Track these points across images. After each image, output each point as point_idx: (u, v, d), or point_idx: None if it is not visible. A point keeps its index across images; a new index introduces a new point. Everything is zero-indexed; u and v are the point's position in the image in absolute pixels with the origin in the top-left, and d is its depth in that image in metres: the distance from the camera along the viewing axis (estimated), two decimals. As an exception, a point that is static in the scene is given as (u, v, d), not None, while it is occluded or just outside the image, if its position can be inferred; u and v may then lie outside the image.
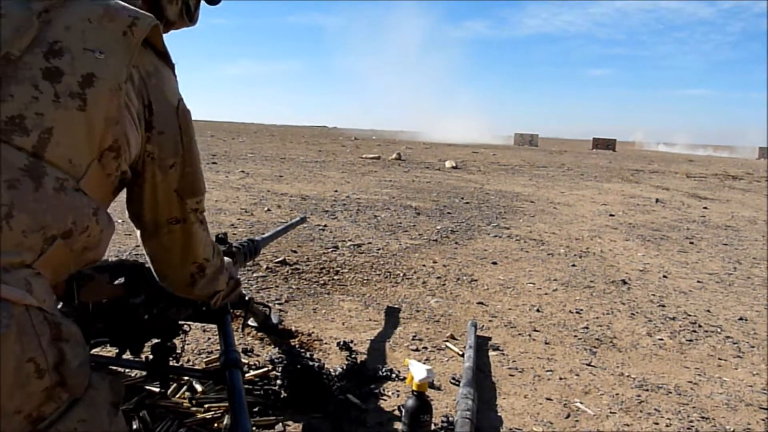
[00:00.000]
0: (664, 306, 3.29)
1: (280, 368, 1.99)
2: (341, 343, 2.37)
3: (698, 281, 3.94)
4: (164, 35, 1.25)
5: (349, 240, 4.43)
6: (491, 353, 2.44)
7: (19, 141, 0.87)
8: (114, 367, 1.86)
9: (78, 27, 0.97)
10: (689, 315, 3.15)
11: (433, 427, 1.69)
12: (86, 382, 0.89)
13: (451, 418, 1.80)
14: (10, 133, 0.87)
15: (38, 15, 0.94)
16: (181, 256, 1.24)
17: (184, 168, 1.16)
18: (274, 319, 2.43)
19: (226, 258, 1.72)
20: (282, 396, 1.83)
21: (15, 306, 0.79)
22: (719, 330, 2.94)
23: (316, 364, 2.00)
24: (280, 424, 1.70)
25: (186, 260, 1.25)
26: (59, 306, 1.55)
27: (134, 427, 1.59)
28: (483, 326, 2.75)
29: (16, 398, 0.78)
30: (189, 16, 1.41)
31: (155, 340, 1.58)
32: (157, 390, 1.76)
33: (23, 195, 0.85)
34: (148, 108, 1.07)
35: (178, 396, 1.79)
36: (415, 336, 2.56)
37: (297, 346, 2.34)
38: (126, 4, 1.06)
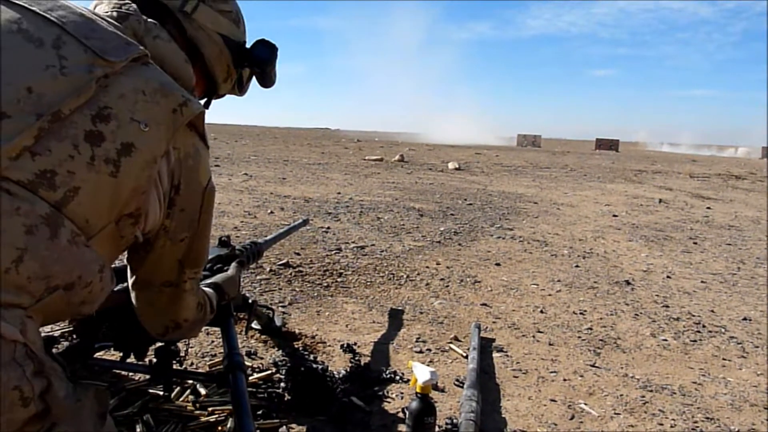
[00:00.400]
0: (668, 306, 3.28)
1: (284, 371, 1.99)
2: (345, 346, 2.37)
3: (702, 281, 3.93)
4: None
5: (353, 242, 4.43)
6: (495, 355, 2.44)
7: (44, 194, 0.88)
8: (118, 371, 1.87)
9: (131, 97, 1.00)
10: (693, 315, 3.14)
11: (437, 429, 1.69)
12: (70, 413, 0.89)
13: (455, 420, 1.80)
14: (37, 186, 0.87)
15: (97, 80, 0.96)
16: (163, 313, 1.25)
17: (194, 242, 1.18)
18: (278, 322, 2.43)
19: (232, 270, 1.72)
20: (286, 399, 1.84)
21: (4, 340, 0.80)
22: (723, 330, 2.93)
23: (320, 367, 2.00)
24: (284, 427, 1.70)
25: (165, 317, 1.26)
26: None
27: (138, 430, 1.60)
28: (487, 328, 2.75)
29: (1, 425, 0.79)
30: (239, 88, 1.47)
31: (159, 344, 1.58)
32: (161, 393, 1.76)
33: (38, 242, 0.86)
34: (176, 188, 1.10)
35: (181, 399, 1.79)
36: (418, 338, 2.56)
37: (300, 348, 2.34)
38: (180, 87, 1.10)
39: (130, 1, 1.18)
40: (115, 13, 1.14)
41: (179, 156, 1.08)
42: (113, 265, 1.11)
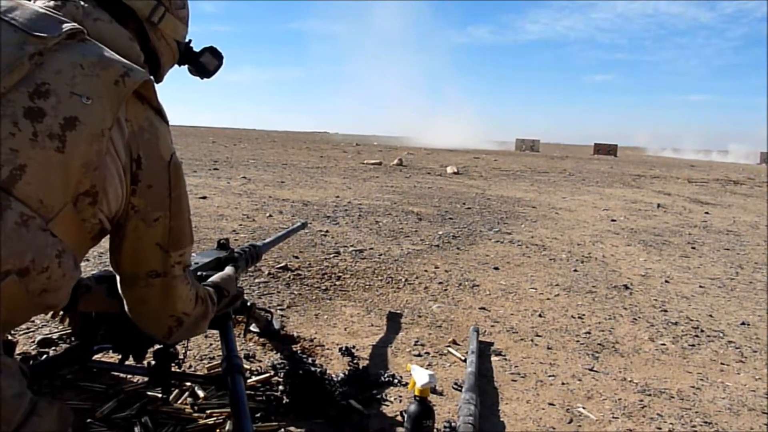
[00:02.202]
0: (666, 311, 3.28)
1: (282, 374, 1.99)
2: (343, 349, 2.37)
3: (700, 286, 3.94)
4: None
5: (351, 245, 4.43)
6: (493, 358, 2.44)
7: None
8: (117, 373, 1.87)
9: (68, 72, 0.98)
10: (691, 320, 3.15)
11: (435, 432, 1.69)
12: (22, 414, 0.86)
13: (453, 424, 1.80)
14: None
15: (30, 56, 0.95)
16: (158, 309, 1.22)
17: (170, 221, 1.15)
18: (276, 325, 2.43)
19: (227, 270, 1.72)
20: (284, 402, 1.84)
21: None
22: (721, 335, 2.93)
23: (318, 370, 2.00)
24: (282, 429, 1.70)
25: (163, 313, 1.23)
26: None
27: (136, 432, 1.59)
28: (485, 331, 2.75)
29: None
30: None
31: (157, 346, 1.58)
32: (160, 396, 1.76)
33: None
34: (137, 161, 1.08)
35: (180, 402, 1.79)
36: (417, 341, 2.56)
37: (299, 351, 2.34)
38: (121, 58, 1.08)
39: None
40: (52, 3, 1.13)
41: (133, 129, 1.07)
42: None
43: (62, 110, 0.95)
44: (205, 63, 1.45)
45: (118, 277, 1.20)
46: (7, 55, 0.94)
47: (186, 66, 1.47)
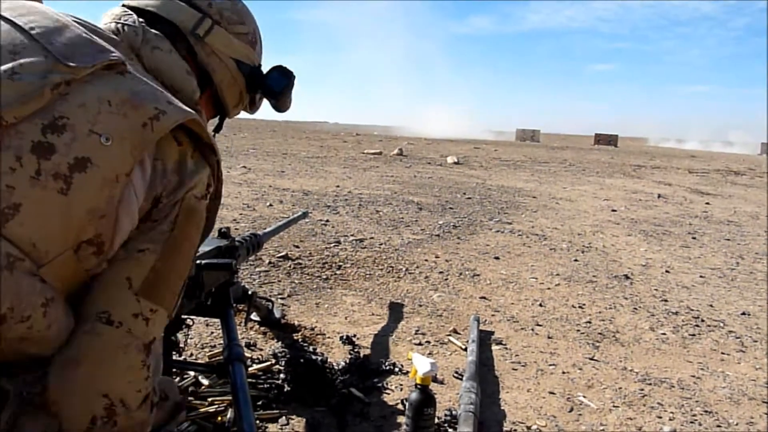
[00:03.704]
0: (666, 301, 3.28)
1: (284, 362, 1.99)
2: (344, 338, 2.37)
3: (701, 276, 3.94)
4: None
5: (352, 235, 4.43)
6: (494, 347, 2.44)
7: None
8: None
9: (93, 107, 0.89)
10: (692, 310, 3.15)
11: (436, 420, 1.69)
12: None
13: (454, 412, 1.81)
14: None
15: (54, 86, 0.87)
16: (88, 379, 0.88)
17: (158, 262, 0.96)
18: (277, 314, 2.44)
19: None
20: (285, 390, 1.84)
21: None
22: (722, 324, 2.94)
23: (319, 358, 2.00)
24: (284, 417, 1.71)
25: (92, 388, 0.88)
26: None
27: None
28: (486, 321, 2.75)
29: None
30: (251, 107, 1.39)
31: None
32: (161, 384, 1.76)
33: None
34: (156, 200, 0.97)
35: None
36: (417, 330, 2.56)
37: (300, 340, 2.34)
38: (161, 95, 0.99)
39: (134, 15, 1.12)
40: (113, 25, 1.09)
41: (165, 167, 0.97)
42: None
43: (75, 149, 0.86)
44: (272, 83, 1.34)
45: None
46: (26, 84, 0.86)
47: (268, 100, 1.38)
